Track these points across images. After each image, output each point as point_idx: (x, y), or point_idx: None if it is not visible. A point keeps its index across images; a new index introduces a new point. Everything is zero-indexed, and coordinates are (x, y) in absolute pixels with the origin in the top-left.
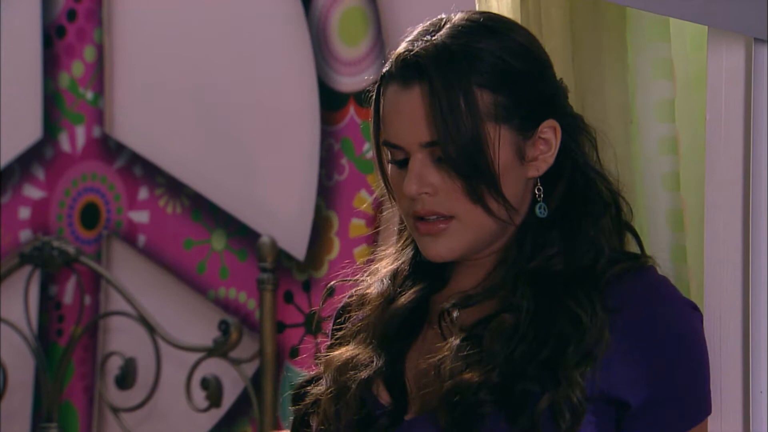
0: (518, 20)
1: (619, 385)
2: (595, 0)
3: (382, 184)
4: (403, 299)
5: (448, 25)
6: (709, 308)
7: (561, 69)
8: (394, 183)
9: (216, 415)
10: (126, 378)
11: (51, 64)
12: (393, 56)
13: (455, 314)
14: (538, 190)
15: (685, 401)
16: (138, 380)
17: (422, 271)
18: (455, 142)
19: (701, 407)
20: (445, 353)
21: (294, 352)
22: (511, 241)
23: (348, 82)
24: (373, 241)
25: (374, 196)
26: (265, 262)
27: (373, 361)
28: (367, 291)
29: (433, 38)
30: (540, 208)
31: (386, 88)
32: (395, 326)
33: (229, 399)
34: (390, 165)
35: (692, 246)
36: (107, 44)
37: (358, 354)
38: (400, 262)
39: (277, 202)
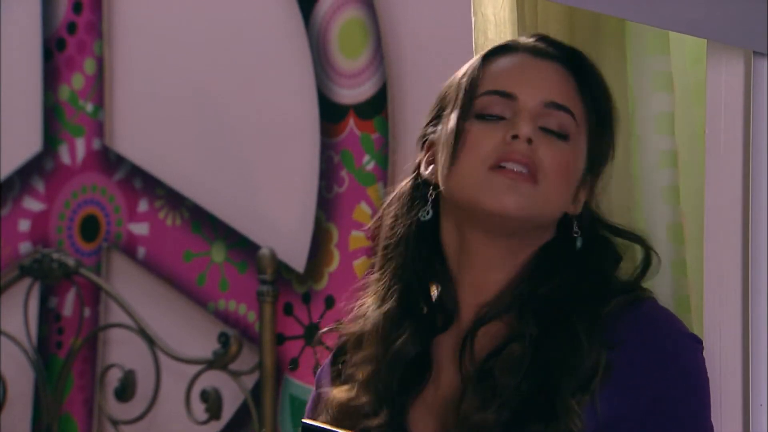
0: (514, 33)
1: (622, 418)
2: (595, 13)
3: (451, 142)
4: (401, 343)
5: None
6: (708, 321)
7: None
8: (478, 133)
9: (215, 427)
10: (125, 390)
11: (51, 76)
12: (521, 38)
13: (474, 344)
14: (576, 228)
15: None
16: (137, 392)
17: (417, 307)
18: (598, 112)
19: None
20: (465, 394)
21: (294, 364)
22: (525, 267)
23: (348, 94)
24: (373, 253)
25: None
26: (264, 274)
27: (378, 414)
28: (363, 330)
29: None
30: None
31: (506, 55)
32: (398, 377)
33: (228, 411)
34: (474, 122)
35: (692, 259)
36: (107, 57)
37: (363, 402)
38: (392, 300)
39: (277, 214)
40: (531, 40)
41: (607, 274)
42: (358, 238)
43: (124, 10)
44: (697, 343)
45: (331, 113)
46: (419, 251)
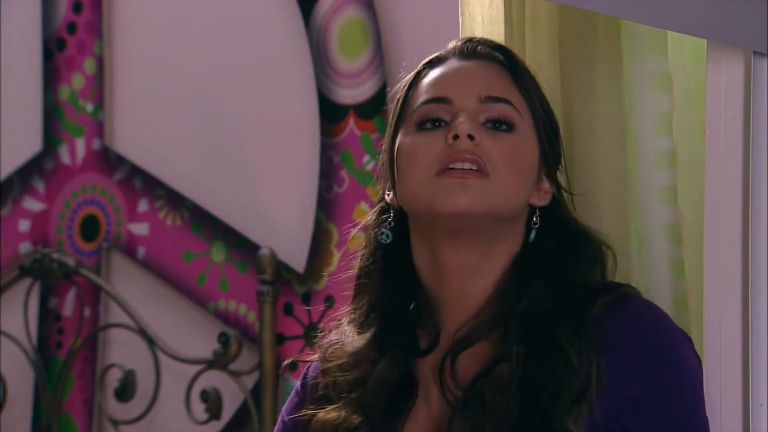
0: (501, 33)
1: (619, 417)
2: (587, 13)
3: (387, 167)
4: (383, 367)
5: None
6: (708, 321)
7: (548, 82)
8: (418, 144)
9: (215, 427)
10: (125, 390)
11: (51, 76)
12: (450, 45)
13: (453, 369)
14: (536, 218)
15: (681, 429)
16: (137, 392)
17: (398, 331)
18: (540, 101)
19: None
20: (454, 416)
21: (294, 365)
22: (503, 276)
23: (348, 94)
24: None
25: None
26: (264, 274)
27: None
28: (343, 356)
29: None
30: (533, 236)
31: (436, 66)
32: (384, 400)
33: (228, 411)
34: (414, 134)
35: (691, 259)
36: (107, 57)
37: (355, 425)
38: (372, 328)
39: (277, 214)
40: (459, 44)
41: (585, 276)
42: (358, 238)
43: (124, 10)
44: (685, 338)
45: (331, 113)
46: (391, 277)
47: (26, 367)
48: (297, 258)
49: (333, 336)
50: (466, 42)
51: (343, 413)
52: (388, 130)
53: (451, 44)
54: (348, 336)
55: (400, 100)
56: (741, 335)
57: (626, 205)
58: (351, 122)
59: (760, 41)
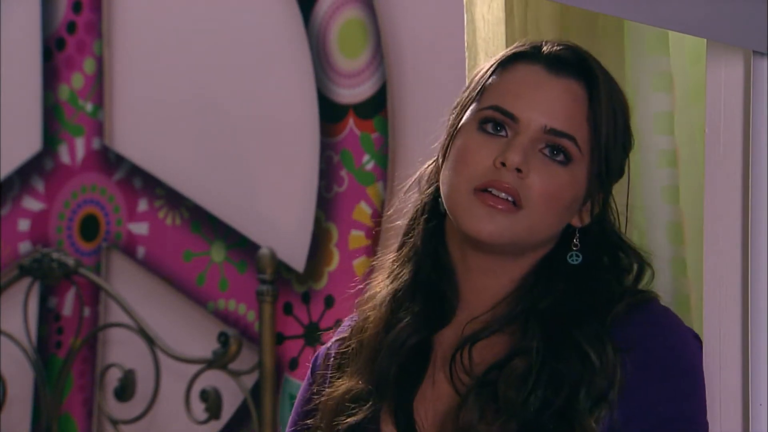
0: (504, 33)
1: (633, 418)
2: (589, 13)
3: (444, 151)
4: (403, 328)
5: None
6: (708, 320)
7: None
8: (472, 148)
9: (215, 426)
10: (125, 390)
11: (51, 76)
12: (539, 42)
13: (466, 358)
14: (576, 240)
15: (689, 429)
16: (137, 392)
17: (423, 293)
18: (608, 133)
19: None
20: (465, 403)
21: (293, 364)
22: (527, 275)
23: (347, 93)
24: (373, 252)
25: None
26: (264, 273)
27: (378, 400)
28: (368, 316)
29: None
30: (572, 257)
31: (524, 65)
32: (397, 363)
33: (228, 411)
34: (474, 132)
35: (692, 259)
36: (107, 56)
37: (361, 389)
38: (400, 281)
39: (277, 213)
40: (555, 48)
41: (610, 282)
42: (357, 237)
43: (124, 10)
44: (697, 339)
45: (330, 113)
46: (430, 239)
47: (26, 367)
48: (297, 258)
49: (367, 296)
50: (562, 49)
51: (351, 382)
52: (465, 99)
53: (547, 47)
54: (380, 292)
55: (485, 82)
56: (741, 335)
57: (627, 204)
58: (351, 122)
59: (760, 41)
